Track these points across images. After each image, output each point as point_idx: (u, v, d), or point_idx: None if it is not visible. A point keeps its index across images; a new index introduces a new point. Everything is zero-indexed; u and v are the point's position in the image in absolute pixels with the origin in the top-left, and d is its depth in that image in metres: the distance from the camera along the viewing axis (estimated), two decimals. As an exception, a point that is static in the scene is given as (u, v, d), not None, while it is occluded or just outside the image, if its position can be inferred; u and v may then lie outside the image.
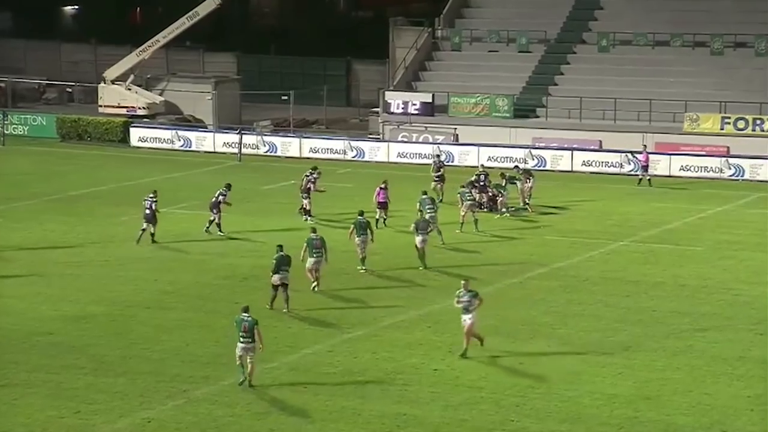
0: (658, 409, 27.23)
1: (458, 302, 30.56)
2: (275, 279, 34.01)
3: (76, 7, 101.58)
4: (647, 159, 55.79)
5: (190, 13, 71.39)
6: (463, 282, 30.72)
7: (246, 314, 28.43)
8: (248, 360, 28.14)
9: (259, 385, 28.07)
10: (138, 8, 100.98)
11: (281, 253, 34.26)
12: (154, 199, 42.66)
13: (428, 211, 42.29)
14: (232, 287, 36.43)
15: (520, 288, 37.49)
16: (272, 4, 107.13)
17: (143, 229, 42.24)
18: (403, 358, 30.39)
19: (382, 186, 45.12)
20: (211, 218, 43.58)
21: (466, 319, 30.33)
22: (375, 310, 34.77)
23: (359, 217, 38.80)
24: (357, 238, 38.37)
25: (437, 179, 49.57)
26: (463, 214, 44.97)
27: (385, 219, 44.90)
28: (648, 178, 55.43)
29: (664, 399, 27.88)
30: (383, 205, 44.98)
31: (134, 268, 39.18)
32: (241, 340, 28.13)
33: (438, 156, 52.19)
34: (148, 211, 42.30)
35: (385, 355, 30.61)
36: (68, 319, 33.44)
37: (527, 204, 49.17)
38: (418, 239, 39.57)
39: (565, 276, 38.94)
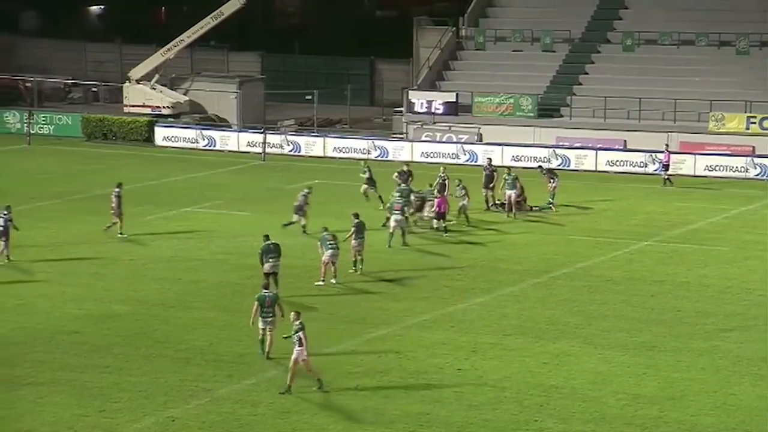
0: (682, 410, 27.16)
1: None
2: (266, 267, 34.91)
3: (102, 6, 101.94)
4: (669, 159, 55.64)
5: (215, 12, 71.53)
6: (292, 314, 28.27)
7: (267, 290, 30.37)
8: (268, 333, 29.56)
9: (283, 382, 28.10)
10: (163, 8, 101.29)
11: (268, 242, 35.29)
12: (306, 194, 43.68)
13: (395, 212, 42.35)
14: (255, 287, 36.29)
15: (544, 288, 37.44)
16: (296, 4, 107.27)
17: (292, 222, 43.30)
18: (427, 358, 30.41)
19: (439, 194, 44.81)
20: (294, 220, 43.44)
21: (295, 351, 27.62)
22: (398, 309, 34.80)
23: (356, 220, 38.64)
24: (354, 241, 38.25)
25: (368, 183, 48.79)
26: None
27: (445, 227, 44.34)
28: (667, 177, 55.21)
29: (688, 399, 27.82)
30: (442, 215, 44.51)
31: (158, 268, 39.31)
32: (263, 315, 29.53)
33: (365, 162, 51.33)
34: (296, 203, 43.44)
35: (409, 355, 30.63)
36: (93, 319, 33.58)
37: (551, 203, 49.09)
38: (393, 218, 41.36)
39: (590, 276, 38.88)
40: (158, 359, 30.12)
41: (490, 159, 51.92)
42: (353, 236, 38.13)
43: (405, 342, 31.71)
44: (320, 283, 36.93)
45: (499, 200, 48.23)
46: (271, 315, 29.71)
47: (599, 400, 27.69)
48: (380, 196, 47.77)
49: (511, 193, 47.32)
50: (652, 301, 36.13)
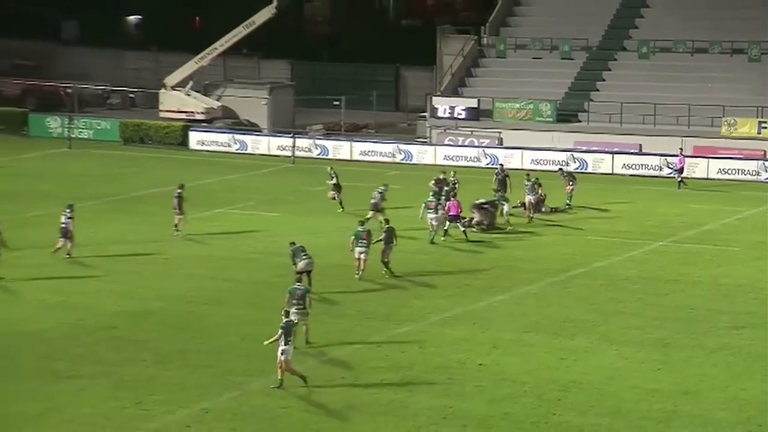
0: (696, 404, 27.06)
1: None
2: (301, 266, 34.90)
3: (139, 16, 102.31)
4: (682, 162, 55.42)
5: (247, 22, 71.62)
6: (284, 312, 28.27)
7: (299, 284, 31.06)
8: (302, 324, 30.03)
9: (311, 377, 28.13)
10: (197, 18, 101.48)
11: (294, 246, 35.59)
12: (383, 191, 44.16)
13: (429, 211, 42.72)
14: (286, 285, 36.30)
15: (562, 286, 37.36)
16: (325, 14, 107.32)
17: (368, 218, 42.58)
18: (449, 354, 30.39)
19: (453, 198, 44.29)
20: (369, 217, 43.05)
21: (283, 350, 27.44)
22: (422, 307, 34.79)
23: (386, 225, 38.51)
24: (384, 245, 38.02)
25: (335, 188, 48.50)
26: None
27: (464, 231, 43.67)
28: (680, 179, 54.97)
29: (701, 394, 27.71)
30: (455, 218, 44.20)
31: (193, 266, 39.41)
32: (295, 307, 29.92)
33: (331, 168, 51.04)
34: (373, 201, 43.82)
35: (432, 351, 30.61)
36: (130, 315, 33.70)
37: (569, 205, 49.01)
38: (429, 216, 42.09)
39: (606, 275, 38.77)
40: (192, 354, 30.20)
41: (502, 165, 51.70)
42: (383, 241, 38.00)
43: (428, 338, 31.70)
44: (357, 275, 37.16)
45: (520, 201, 48.00)
46: (302, 307, 30.23)
47: (615, 394, 27.61)
48: (341, 202, 48.10)
49: (530, 198, 47.14)
50: (666, 299, 36.00)
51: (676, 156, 55.98)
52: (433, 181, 47.35)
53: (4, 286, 36.65)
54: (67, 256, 39.83)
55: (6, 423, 25.69)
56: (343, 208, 47.72)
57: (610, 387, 28.06)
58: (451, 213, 43.49)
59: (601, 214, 49.19)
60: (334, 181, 48.60)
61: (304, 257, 35.17)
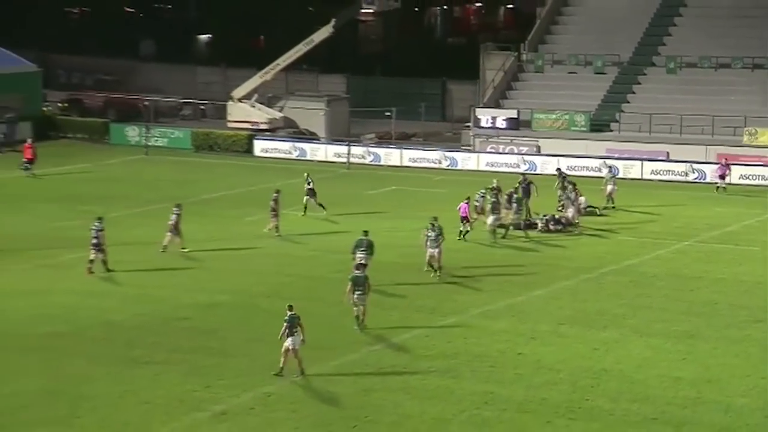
0: (718, 391, 26.90)
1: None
2: (356, 259, 34.96)
3: (209, 35, 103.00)
4: (724, 171, 54.99)
5: (307, 40, 71.84)
6: (288, 306, 27.93)
7: (358, 271, 31.63)
8: (361, 306, 30.79)
9: (364, 364, 28.22)
10: (261, 36, 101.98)
11: (362, 237, 35.76)
12: (483, 195, 43.69)
13: (493, 213, 42.82)
14: (342, 280, 36.48)
15: (595, 283, 37.21)
16: (378, 32, 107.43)
17: (475, 221, 43.12)
18: (491, 343, 30.38)
19: (466, 201, 44.05)
20: (475, 218, 43.04)
21: (288, 341, 27.51)
22: (466, 300, 34.79)
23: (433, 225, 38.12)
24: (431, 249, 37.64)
25: (309, 193, 47.75)
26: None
27: (467, 232, 43.07)
28: (722, 186, 54.56)
29: (724, 382, 27.53)
30: (465, 219, 43.76)
31: (257, 262, 39.62)
32: (356, 292, 30.95)
33: (307, 174, 50.39)
34: (476, 204, 43.44)
35: (475, 341, 30.62)
36: (201, 307, 33.96)
37: (611, 207, 49.26)
38: (491, 219, 42.22)
39: (635, 272, 38.56)
40: (257, 343, 30.38)
41: (524, 174, 51.05)
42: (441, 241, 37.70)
43: (471, 329, 31.70)
44: (429, 269, 37.33)
45: (560, 213, 46.95)
46: (362, 292, 30.94)
47: (644, 382, 27.49)
48: (321, 204, 47.40)
49: (572, 209, 45.77)
50: (691, 295, 35.75)
51: (719, 164, 55.53)
52: (506, 196, 44.97)
53: (98, 278, 36.98)
54: (163, 249, 40.40)
55: (91, 403, 26.04)
56: (305, 213, 47.20)
57: (638, 375, 27.94)
58: (461, 215, 42.85)
59: (631, 216, 48.88)
60: (310, 186, 48.20)
61: (360, 252, 35.32)
